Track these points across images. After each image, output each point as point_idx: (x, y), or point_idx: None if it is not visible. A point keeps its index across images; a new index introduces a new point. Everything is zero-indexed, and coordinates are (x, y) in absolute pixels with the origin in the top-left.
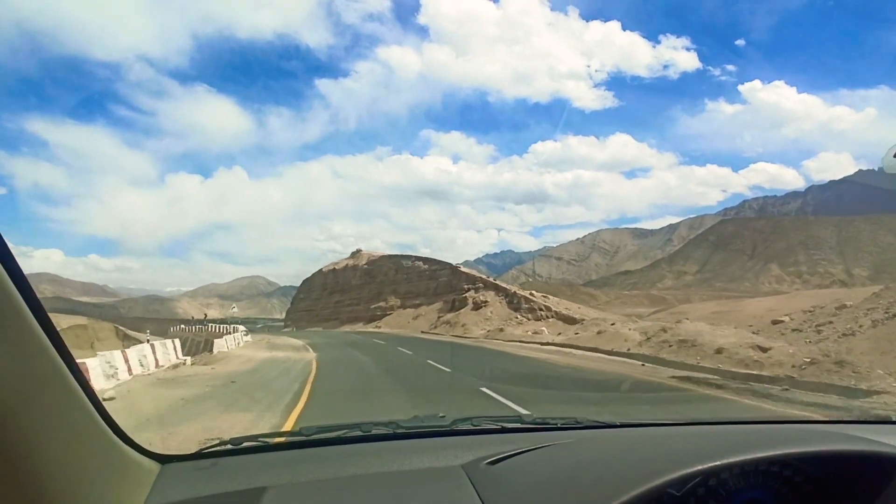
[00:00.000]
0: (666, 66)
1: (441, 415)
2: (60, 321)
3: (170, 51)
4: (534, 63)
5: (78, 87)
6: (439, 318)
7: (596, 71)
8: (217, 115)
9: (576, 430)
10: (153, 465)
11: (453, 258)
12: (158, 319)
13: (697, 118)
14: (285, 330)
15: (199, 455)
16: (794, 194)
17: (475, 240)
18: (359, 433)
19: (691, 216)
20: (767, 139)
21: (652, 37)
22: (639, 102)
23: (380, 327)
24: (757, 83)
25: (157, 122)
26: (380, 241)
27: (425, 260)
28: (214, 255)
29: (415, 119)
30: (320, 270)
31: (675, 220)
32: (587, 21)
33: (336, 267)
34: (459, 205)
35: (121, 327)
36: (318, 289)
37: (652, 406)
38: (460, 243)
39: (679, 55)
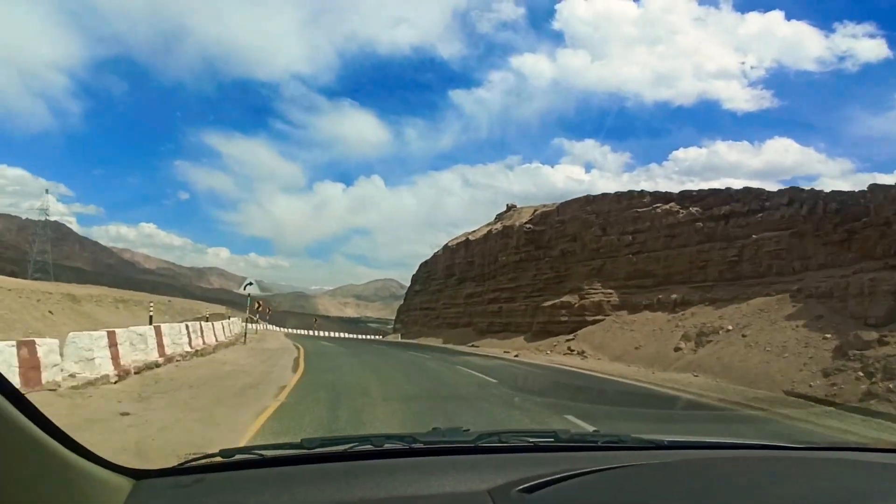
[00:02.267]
0: (842, 58)
1: (465, 429)
2: (202, 308)
3: (319, 69)
4: (677, 63)
5: (244, 105)
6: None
7: (752, 68)
8: (359, 127)
9: (620, 451)
10: (123, 482)
11: None
12: (301, 314)
13: (883, 117)
14: (389, 337)
15: (180, 469)
16: None
17: None
18: (369, 447)
19: None
20: None
21: (825, 25)
22: (805, 101)
23: (579, 350)
24: None
25: (308, 134)
26: None
27: (682, 197)
28: (352, 257)
29: (546, 127)
30: (446, 246)
31: None
32: (742, 13)
33: (470, 238)
34: None
35: (252, 316)
36: (441, 275)
37: (701, 424)
38: None
39: (860, 44)
